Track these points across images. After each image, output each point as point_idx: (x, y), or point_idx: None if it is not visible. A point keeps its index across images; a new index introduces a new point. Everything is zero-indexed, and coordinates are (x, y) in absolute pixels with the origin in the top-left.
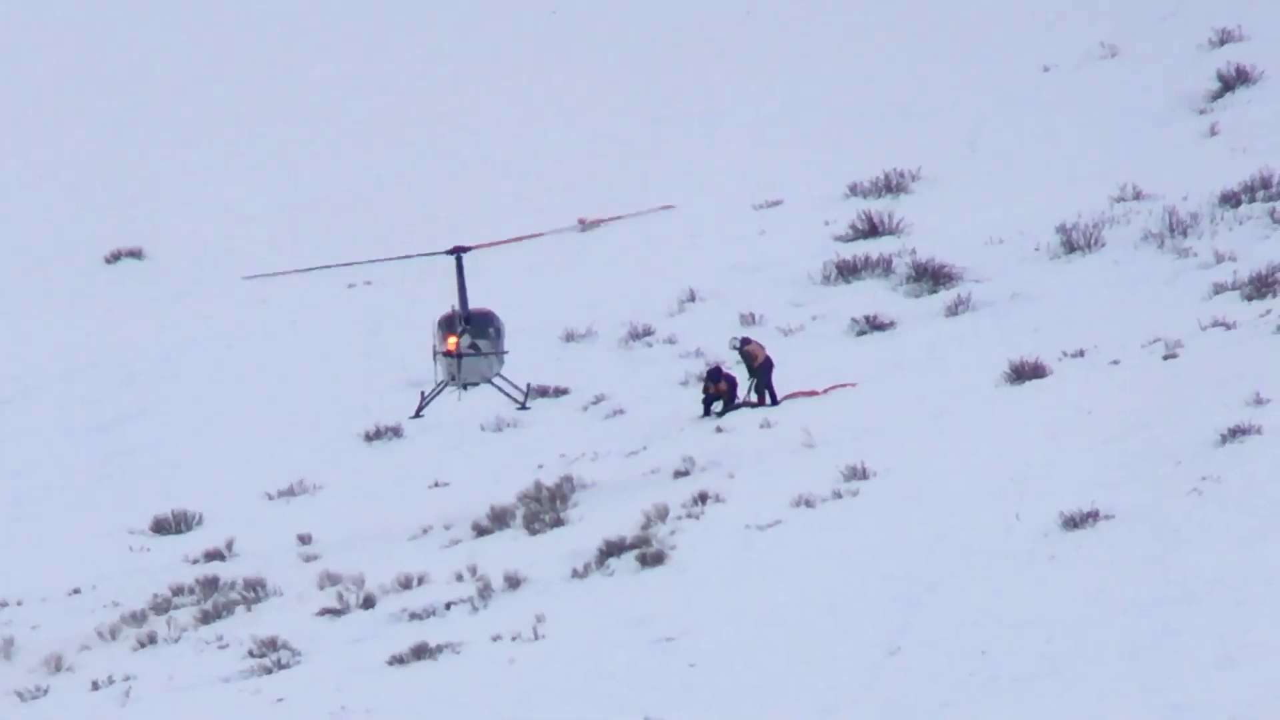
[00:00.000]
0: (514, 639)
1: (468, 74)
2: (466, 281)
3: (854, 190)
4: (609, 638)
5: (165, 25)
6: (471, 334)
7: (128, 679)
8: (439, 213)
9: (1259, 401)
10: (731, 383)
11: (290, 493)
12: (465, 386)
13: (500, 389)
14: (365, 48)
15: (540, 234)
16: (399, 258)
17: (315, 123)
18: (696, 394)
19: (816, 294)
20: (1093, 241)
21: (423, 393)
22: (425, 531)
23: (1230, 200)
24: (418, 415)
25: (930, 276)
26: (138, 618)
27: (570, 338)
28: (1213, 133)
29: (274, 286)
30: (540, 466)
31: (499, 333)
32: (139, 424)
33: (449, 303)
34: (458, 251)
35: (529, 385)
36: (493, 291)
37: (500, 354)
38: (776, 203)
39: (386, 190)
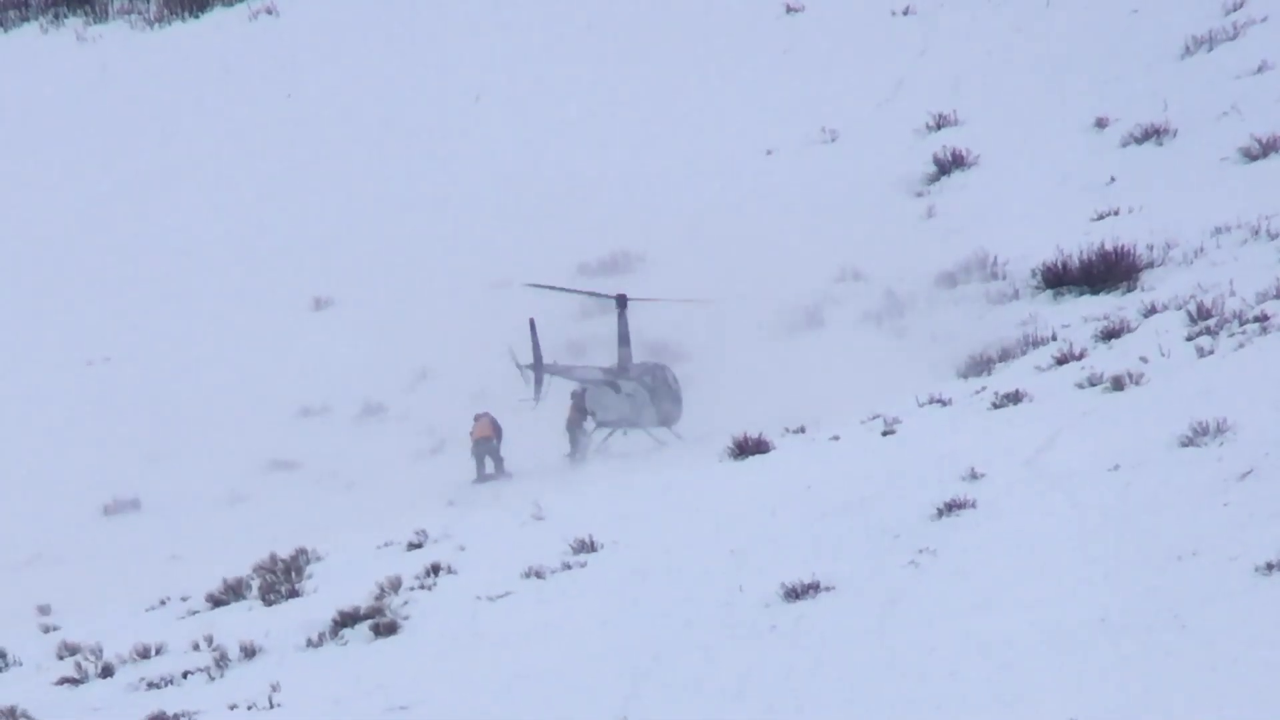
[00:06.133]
0: (250, 708)
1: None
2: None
3: (582, 270)
4: (343, 706)
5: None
6: (623, 378)
7: None
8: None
9: (974, 476)
10: (498, 430)
11: (30, 563)
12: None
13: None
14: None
15: (696, 300)
16: (572, 290)
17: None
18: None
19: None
20: (813, 321)
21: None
22: (163, 603)
23: (947, 280)
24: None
25: (657, 355)
26: None
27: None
28: (930, 215)
29: (10, 359)
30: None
31: (656, 387)
32: None
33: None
34: (622, 298)
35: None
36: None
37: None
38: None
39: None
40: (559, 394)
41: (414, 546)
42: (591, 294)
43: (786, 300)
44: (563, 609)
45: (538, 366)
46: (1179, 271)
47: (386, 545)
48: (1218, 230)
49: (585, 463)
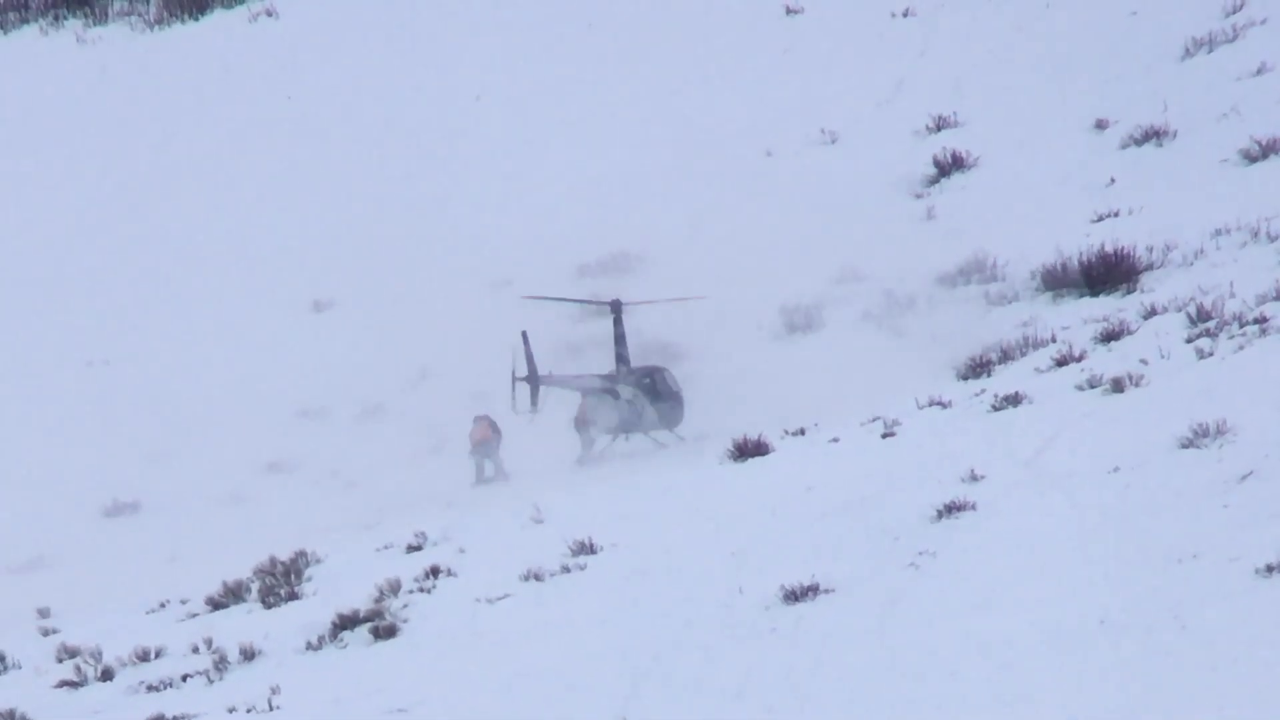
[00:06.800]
0: (249, 710)
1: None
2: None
3: (583, 271)
4: (343, 708)
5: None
6: (621, 383)
7: None
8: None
9: (973, 478)
10: (497, 432)
11: (29, 566)
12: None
13: (656, 440)
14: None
15: (683, 299)
16: (564, 299)
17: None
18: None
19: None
20: (813, 322)
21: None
22: (163, 605)
23: (947, 282)
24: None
25: (657, 355)
26: None
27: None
28: (930, 216)
29: (10, 359)
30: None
31: (656, 390)
32: None
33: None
34: (616, 304)
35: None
36: None
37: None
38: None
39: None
40: (558, 402)
41: (413, 549)
42: (586, 302)
43: (786, 300)
44: (562, 610)
45: (533, 378)
46: (1179, 273)
47: (386, 547)
48: (1217, 232)
49: (593, 462)
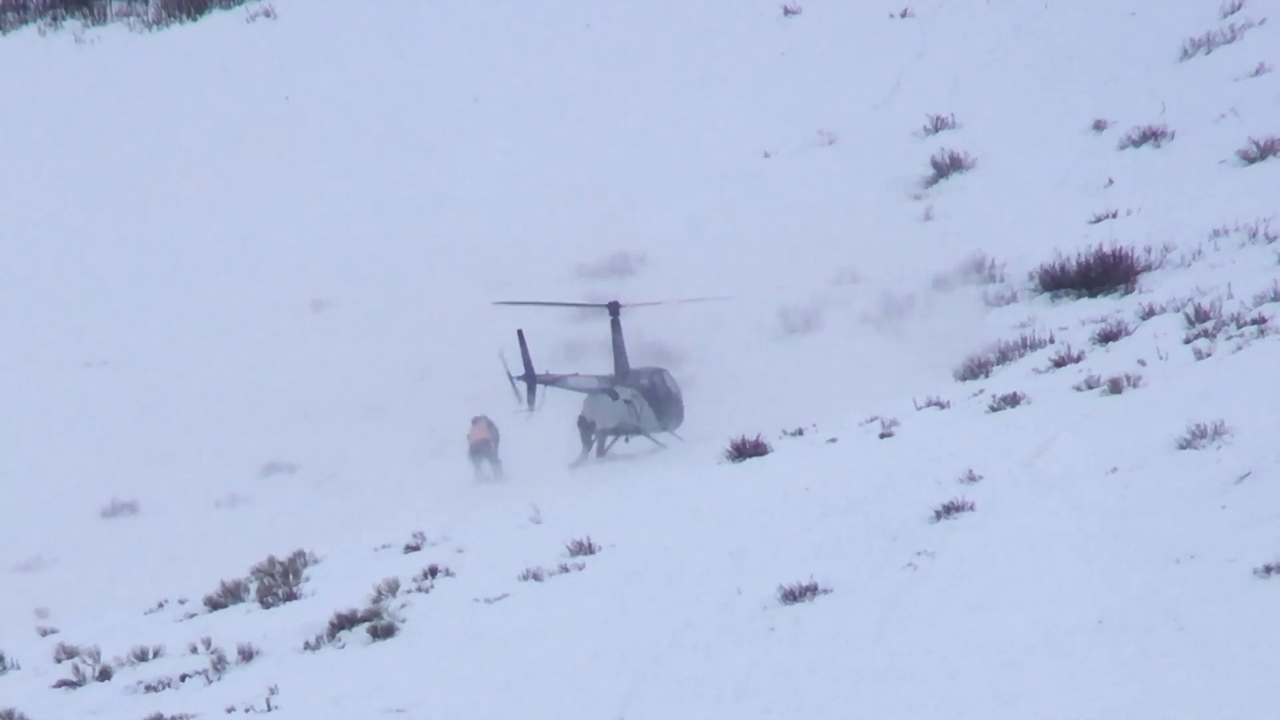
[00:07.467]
0: (247, 710)
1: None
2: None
3: (582, 271)
4: (341, 708)
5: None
6: (620, 384)
7: None
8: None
9: (972, 478)
10: (495, 432)
11: (28, 566)
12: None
13: (655, 440)
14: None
15: (689, 300)
16: (560, 304)
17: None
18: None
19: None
20: (811, 323)
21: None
22: (161, 605)
23: (945, 283)
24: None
25: (656, 357)
26: None
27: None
28: (928, 217)
29: (9, 359)
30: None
31: (655, 392)
32: None
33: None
34: (614, 306)
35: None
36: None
37: (659, 414)
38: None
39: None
40: (558, 403)
41: (412, 549)
42: (581, 305)
43: (785, 302)
44: (561, 610)
45: (529, 377)
46: (1177, 274)
47: (384, 548)
48: (1216, 233)
49: (591, 462)
